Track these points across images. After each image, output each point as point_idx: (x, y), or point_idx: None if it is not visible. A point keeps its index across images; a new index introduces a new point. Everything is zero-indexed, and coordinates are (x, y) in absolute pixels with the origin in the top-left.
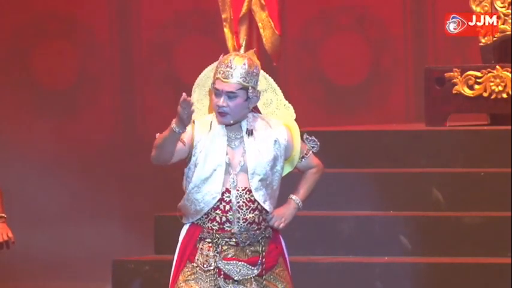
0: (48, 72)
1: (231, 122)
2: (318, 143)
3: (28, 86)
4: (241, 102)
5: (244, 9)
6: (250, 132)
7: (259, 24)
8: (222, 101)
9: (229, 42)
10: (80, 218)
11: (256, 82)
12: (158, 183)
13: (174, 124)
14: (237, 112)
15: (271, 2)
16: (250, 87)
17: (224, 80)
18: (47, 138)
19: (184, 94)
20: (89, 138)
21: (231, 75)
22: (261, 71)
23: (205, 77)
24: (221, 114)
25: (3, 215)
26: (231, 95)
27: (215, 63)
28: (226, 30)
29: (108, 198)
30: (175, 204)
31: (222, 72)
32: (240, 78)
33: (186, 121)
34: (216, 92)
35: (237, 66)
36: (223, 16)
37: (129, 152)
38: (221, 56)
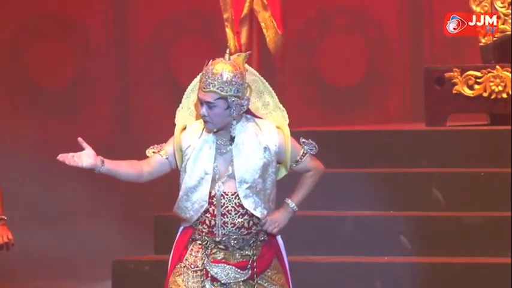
0: (45, 73)
1: (214, 129)
2: (316, 146)
3: (25, 87)
4: (221, 112)
5: (245, 9)
6: (232, 139)
7: (262, 24)
8: (204, 110)
9: (231, 42)
10: (79, 218)
11: (238, 90)
12: (158, 183)
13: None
14: (218, 121)
15: (274, 1)
16: (228, 97)
17: (203, 90)
18: (45, 139)
19: (60, 156)
20: (87, 138)
21: (209, 85)
22: (256, 73)
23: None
24: (205, 122)
25: (3, 217)
26: (210, 105)
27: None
28: (227, 30)
29: (108, 198)
30: (174, 204)
31: (202, 81)
32: (217, 88)
33: (88, 167)
34: (200, 101)
35: (214, 76)
36: (225, 16)
37: (126, 151)
38: (208, 62)
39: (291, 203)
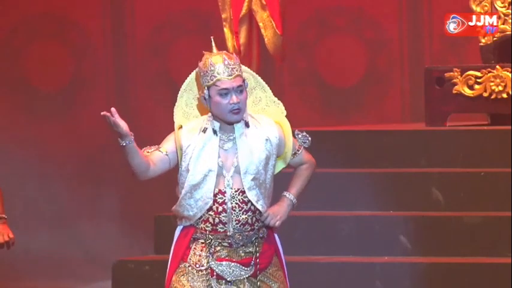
0: (42, 73)
1: (243, 117)
2: (310, 138)
3: (23, 87)
4: (246, 95)
5: (244, 9)
6: (247, 125)
7: (260, 24)
8: (235, 98)
9: (229, 42)
10: (79, 218)
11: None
12: (158, 183)
13: (119, 139)
14: (245, 106)
15: (273, 1)
16: (245, 79)
17: (229, 77)
18: (43, 139)
19: (104, 112)
20: (85, 139)
21: (233, 70)
22: (247, 69)
23: (192, 82)
24: (236, 111)
25: (3, 215)
26: (240, 89)
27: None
28: (226, 30)
29: (107, 198)
30: (174, 204)
31: (222, 72)
32: (239, 71)
33: (123, 132)
34: (223, 93)
35: (231, 61)
36: (223, 16)
37: None
38: (202, 60)
39: (290, 195)
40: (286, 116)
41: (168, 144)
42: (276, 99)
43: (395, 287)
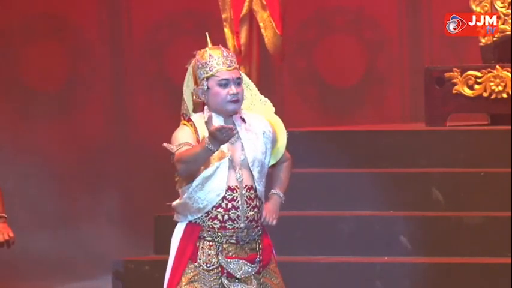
0: (39, 73)
1: (241, 108)
2: (287, 135)
3: (20, 88)
4: (243, 89)
5: (245, 9)
6: (243, 120)
7: (261, 24)
8: (235, 88)
9: (230, 42)
10: (79, 219)
11: None
12: (158, 184)
13: (209, 144)
14: (243, 98)
15: (273, 1)
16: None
17: (229, 68)
18: (42, 139)
19: (232, 127)
20: (84, 139)
21: (232, 62)
22: None
23: (187, 79)
24: (235, 101)
25: (3, 215)
26: (238, 81)
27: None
28: (226, 30)
29: (107, 198)
30: (174, 201)
31: (222, 62)
32: (236, 64)
33: (223, 143)
34: (223, 83)
35: (229, 54)
36: (224, 16)
37: (121, 152)
38: (201, 54)
39: (280, 193)
40: (274, 109)
41: (191, 140)
42: (262, 97)
43: (395, 287)
